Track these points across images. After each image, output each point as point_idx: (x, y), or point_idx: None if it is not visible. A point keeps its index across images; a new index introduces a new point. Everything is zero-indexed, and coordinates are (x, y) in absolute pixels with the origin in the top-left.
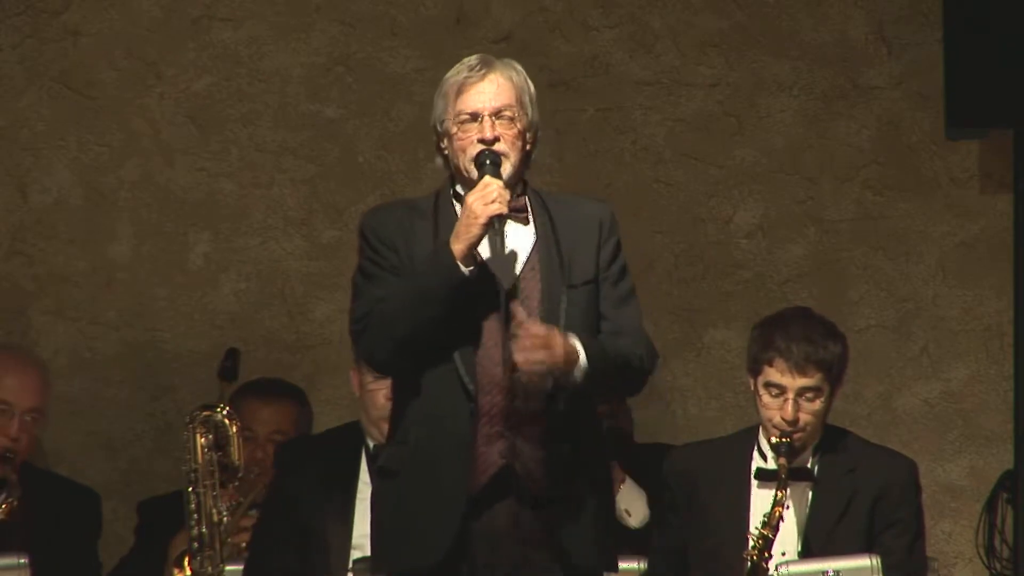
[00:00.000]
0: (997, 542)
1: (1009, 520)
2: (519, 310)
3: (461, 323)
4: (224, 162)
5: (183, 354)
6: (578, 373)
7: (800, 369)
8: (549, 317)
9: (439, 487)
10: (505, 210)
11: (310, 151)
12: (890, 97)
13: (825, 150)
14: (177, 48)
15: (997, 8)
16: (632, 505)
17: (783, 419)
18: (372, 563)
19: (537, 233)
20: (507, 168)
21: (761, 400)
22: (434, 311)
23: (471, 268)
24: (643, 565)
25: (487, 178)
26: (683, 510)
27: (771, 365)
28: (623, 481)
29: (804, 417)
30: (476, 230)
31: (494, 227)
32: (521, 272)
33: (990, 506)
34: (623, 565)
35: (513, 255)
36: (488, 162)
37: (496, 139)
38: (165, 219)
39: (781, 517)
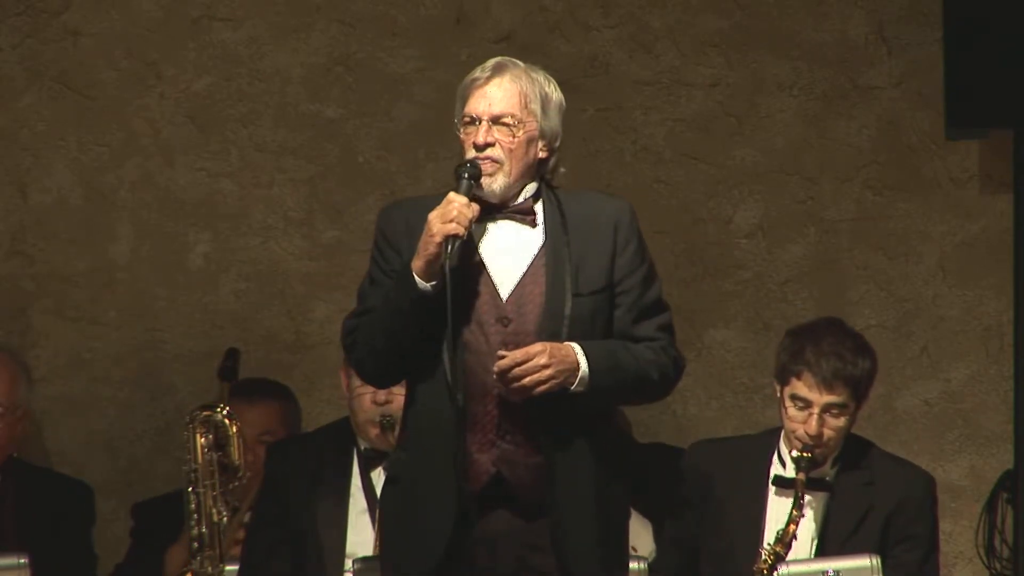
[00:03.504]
0: (997, 542)
1: (1009, 520)
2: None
3: (453, 331)
4: (224, 162)
5: (183, 354)
6: (580, 384)
7: (828, 385)
8: (551, 324)
9: (433, 494)
10: (462, 232)
11: (310, 151)
12: (890, 97)
13: (825, 150)
14: (177, 48)
15: (997, 8)
16: (638, 539)
17: (807, 433)
18: (381, 565)
19: (546, 236)
20: (499, 179)
21: (786, 411)
22: (403, 324)
23: (434, 283)
24: (644, 565)
25: (451, 194)
26: (697, 506)
27: (799, 378)
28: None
29: (828, 432)
30: (432, 248)
31: (453, 246)
32: (522, 278)
33: (990, 506)
34: None
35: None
36: (466, 175)
37: (488, 145)
38: (165, 219)
39: (794, 535)
